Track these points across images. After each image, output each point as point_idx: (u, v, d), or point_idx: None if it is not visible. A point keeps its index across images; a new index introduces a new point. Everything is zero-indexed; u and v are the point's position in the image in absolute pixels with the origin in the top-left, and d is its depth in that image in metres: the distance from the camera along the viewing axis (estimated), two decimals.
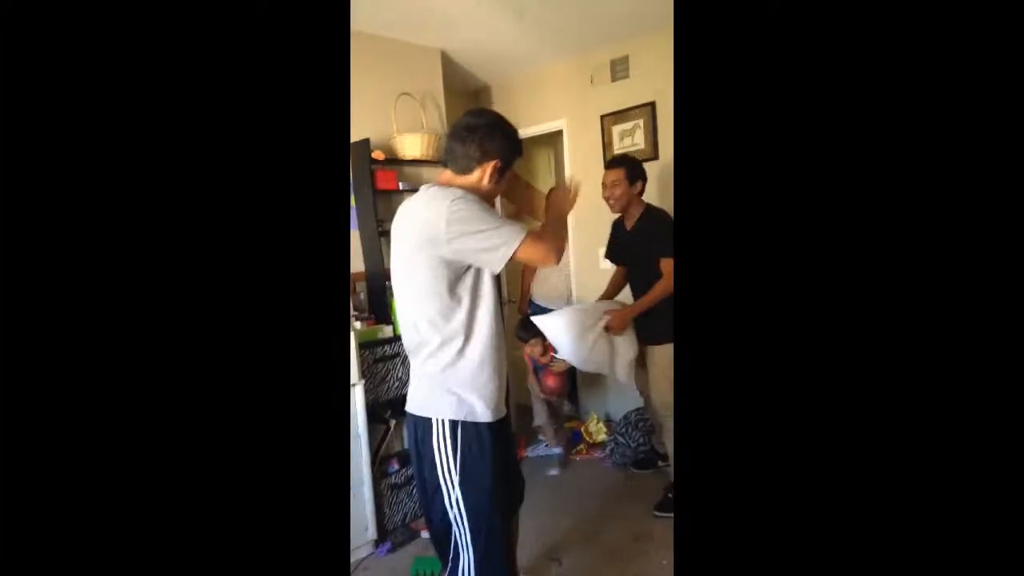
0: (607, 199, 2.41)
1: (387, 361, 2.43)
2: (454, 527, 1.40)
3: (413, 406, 1.43)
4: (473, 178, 1.37)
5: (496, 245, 1.25)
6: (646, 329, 2.41)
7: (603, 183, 2.41)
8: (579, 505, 2.56)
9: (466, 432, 1.35)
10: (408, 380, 2.44)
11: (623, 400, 3.18)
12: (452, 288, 1.31)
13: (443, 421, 1.36)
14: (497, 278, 1.40)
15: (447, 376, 1.36)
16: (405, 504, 2.46)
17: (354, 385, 2.23)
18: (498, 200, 1.64)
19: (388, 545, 2.30)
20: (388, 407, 2.53)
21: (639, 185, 2.39)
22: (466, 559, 1.39)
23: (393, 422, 2.54)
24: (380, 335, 2.46)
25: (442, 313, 1.32)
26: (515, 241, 1.25)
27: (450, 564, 1.44)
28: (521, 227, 1.28)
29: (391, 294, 2.64)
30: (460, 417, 1.35)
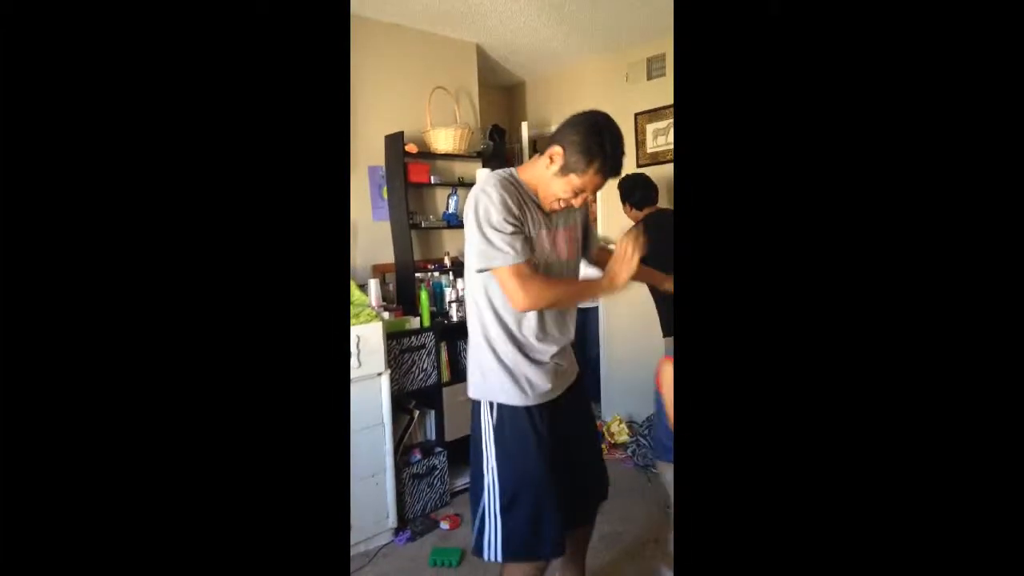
0: None
1: (413, 352, 2.46)
2: (485, 493, 1.37)
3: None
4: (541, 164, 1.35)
5: (487, 253, 1.24)
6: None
7: None
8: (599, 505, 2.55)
9: (500, 413, 1.35)
10: (432, 372, 2.51)
11: (646, 401, 3.16)
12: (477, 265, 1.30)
13: (478, 401, 1.39)
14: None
15: (479, 355, 1.37)
16: (426, 494, 2.49)
17: (380, 374, 2.26)
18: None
19: (408, 534, 2.34)
20: (413, 397, 2.56)
21: (626, 205, 2.57)
22: (491, 527, 1.36)
23: (417, 412, 2.57)
24: (407, 326, 2.49)
25: (473, 290, 1.36)
26: (507, 262, 1.23)
27: (475, 531, 1.40)
28: (521, 251, 1.24)
29: (420, 286, 2.67)
30: (487, 398, 1.36)
